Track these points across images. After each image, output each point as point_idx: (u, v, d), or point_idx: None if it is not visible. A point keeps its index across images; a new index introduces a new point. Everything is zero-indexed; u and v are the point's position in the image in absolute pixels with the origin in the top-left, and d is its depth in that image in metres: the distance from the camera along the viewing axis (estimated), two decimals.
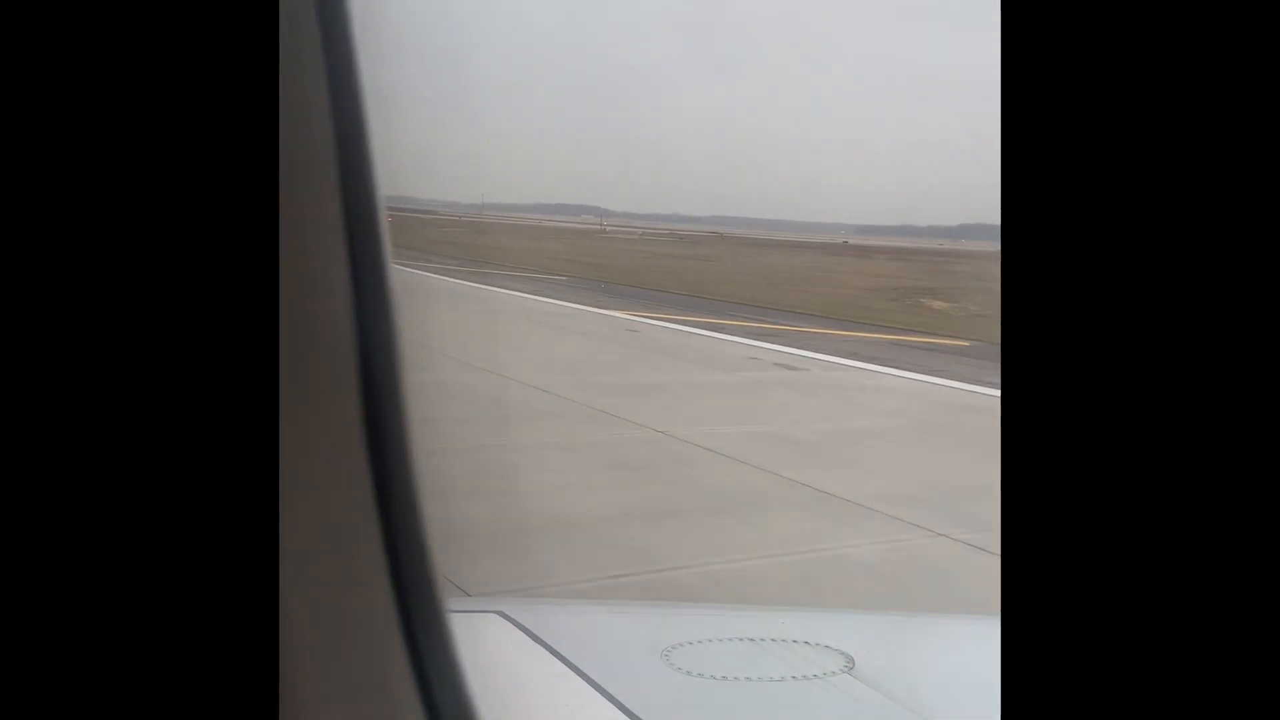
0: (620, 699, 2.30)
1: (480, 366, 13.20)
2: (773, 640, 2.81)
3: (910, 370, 16.65)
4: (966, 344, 24.35)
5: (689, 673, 2.54)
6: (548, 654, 2.54)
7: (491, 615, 2.74)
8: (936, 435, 11.52)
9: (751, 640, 2.85)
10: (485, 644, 2.55)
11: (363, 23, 0.95)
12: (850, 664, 2.62)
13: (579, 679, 2.40)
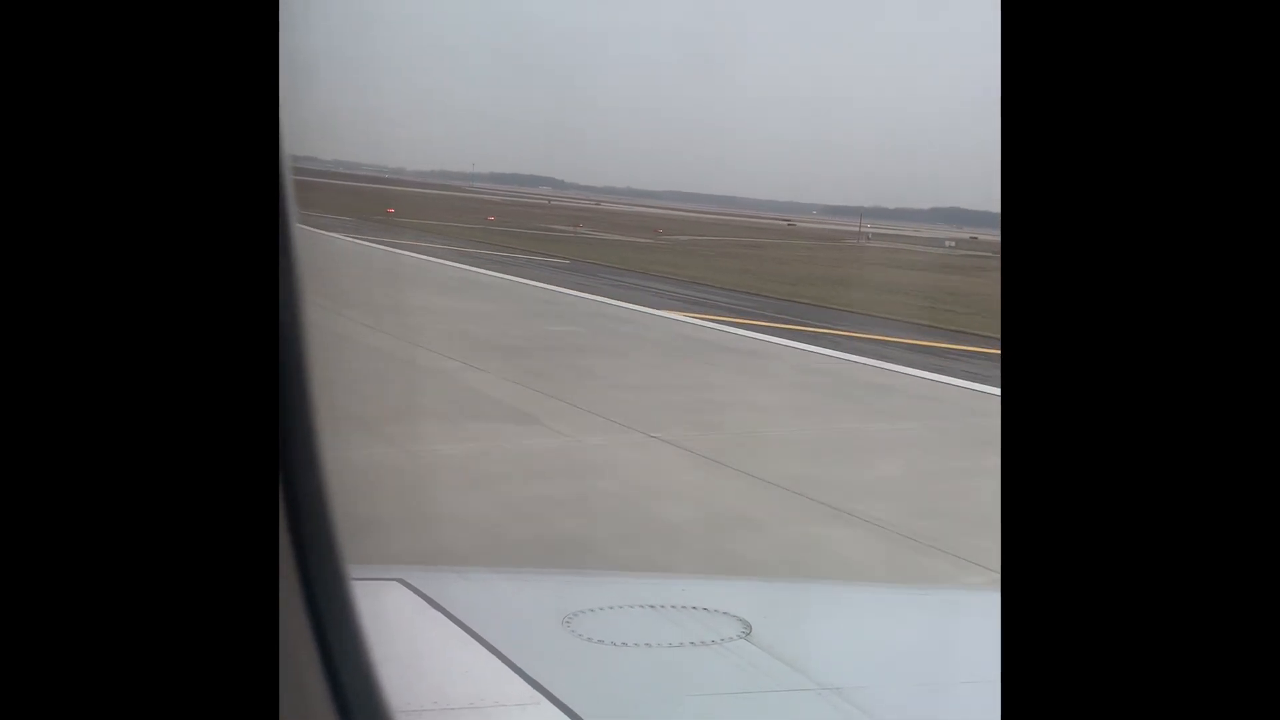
0: (521, 666, 2.32)
1: None
2: (672, 607, 2.86)
3: None
4: None
5: (589, 639, 2.57)
6: (449, 622, 2.54)
7: (392, 583, 2.73)
8: None
9: (651, 607, 2.90)
10: (386, 612, 2.53)
11: None
12: (747, 630, 2.69)
13: (480, 646, 2.41)
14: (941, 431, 10.24)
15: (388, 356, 10.86)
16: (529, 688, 2.24)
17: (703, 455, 7.94)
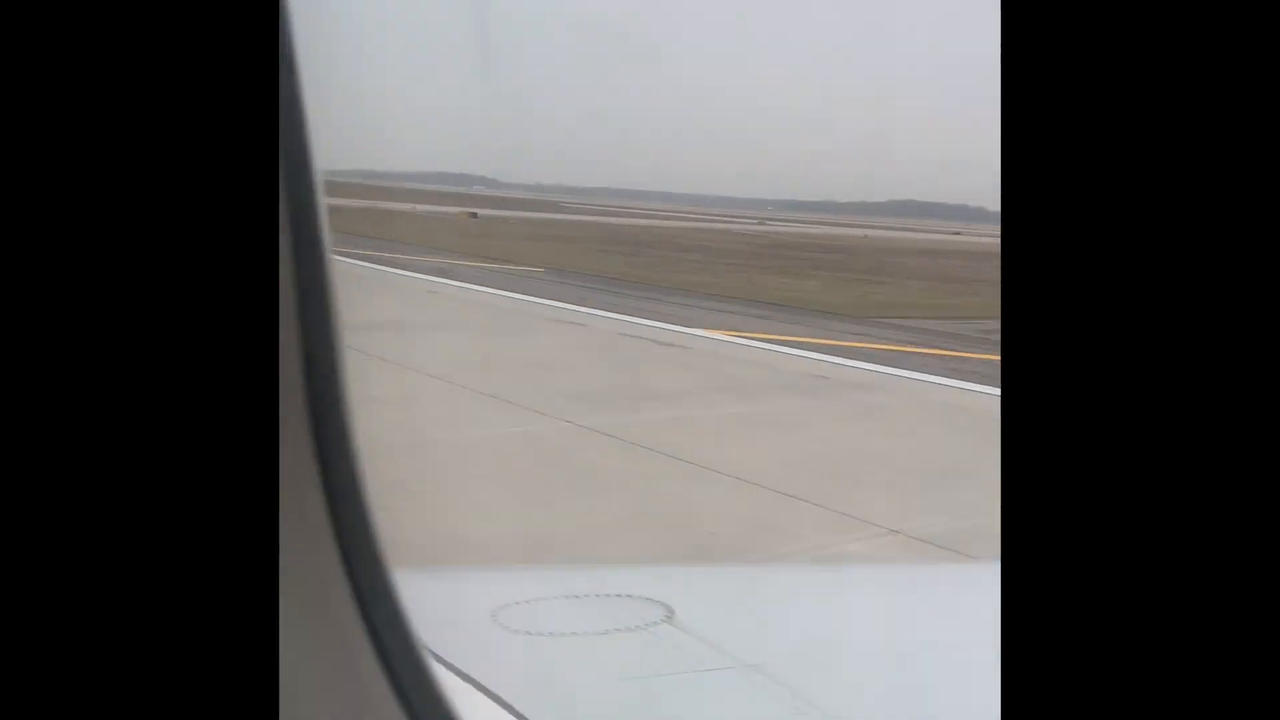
0: (450, 660, 2.34)
1: None
2: (596, 596, 2.91)
3: None
4: None
5: (517, 631, 2.61)
6: None
7: None
8: None
9: (577, 597, 2.94)
10: None
11: None
12: (669, 614, 2.75)
13: None
14: None
15: None
16: (458, 680, 2.26)
17: None
